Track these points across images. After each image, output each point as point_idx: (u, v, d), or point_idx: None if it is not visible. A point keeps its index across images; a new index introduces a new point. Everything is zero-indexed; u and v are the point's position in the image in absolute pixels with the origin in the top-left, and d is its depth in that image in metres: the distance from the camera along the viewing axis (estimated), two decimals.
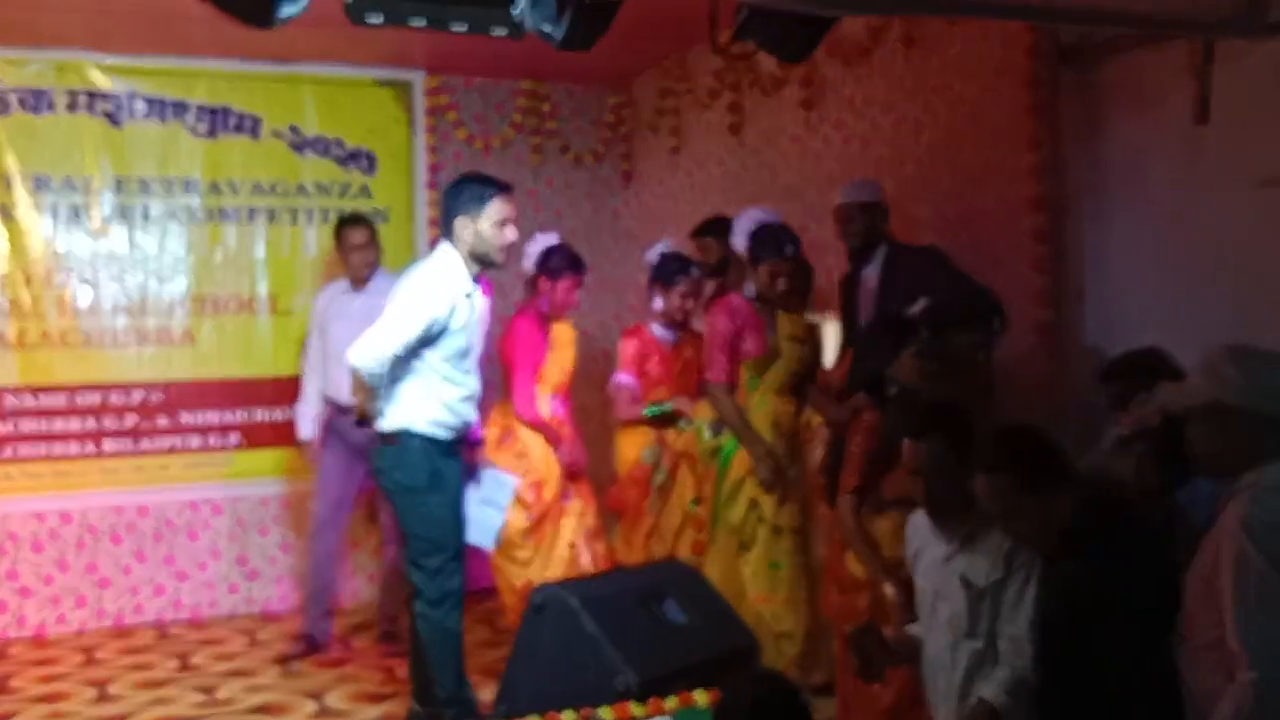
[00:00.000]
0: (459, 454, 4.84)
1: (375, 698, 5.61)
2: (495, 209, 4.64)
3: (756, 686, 2.77)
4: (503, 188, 4.72)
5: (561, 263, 5.89)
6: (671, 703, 4.03)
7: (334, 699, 5.62)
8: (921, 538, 3.70)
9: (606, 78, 8.13)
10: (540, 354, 5.86)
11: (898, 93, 5.85)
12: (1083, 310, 5.09)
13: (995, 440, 3.33)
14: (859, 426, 4.30)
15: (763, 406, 5.09)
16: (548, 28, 3.58)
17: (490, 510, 5.39)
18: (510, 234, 4.71)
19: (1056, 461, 3.23)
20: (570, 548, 5.85)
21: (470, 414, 4.82)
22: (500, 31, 3.44)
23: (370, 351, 4.54)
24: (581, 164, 8.16)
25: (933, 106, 5.63)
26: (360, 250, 6.31)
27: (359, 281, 6.36)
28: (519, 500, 5.80)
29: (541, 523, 5.84)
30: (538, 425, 5.84)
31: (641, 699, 4.05)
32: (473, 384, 4.79)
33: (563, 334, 5.99)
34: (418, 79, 7.75)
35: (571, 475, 5.91)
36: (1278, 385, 2.80)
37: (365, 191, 7.65)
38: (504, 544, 5.85)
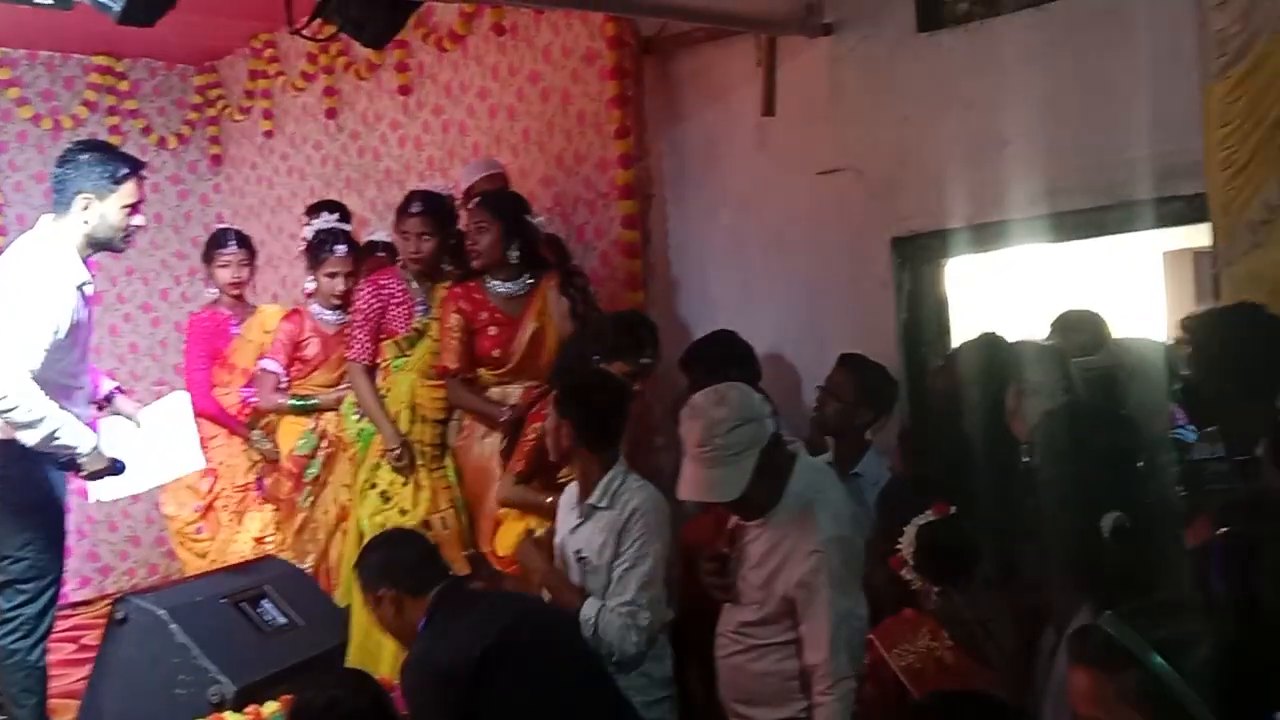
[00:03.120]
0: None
1: None
2: (129, 191, 4.12)
3: (335, 688, 2.71)
4: (138, 167, 4.20)
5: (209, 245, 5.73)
6: (271, 708, 3.89)
7: None
8: (566, 506, 3.76)
9: (191, 56, 7.68)
10: (210, 345, 5.51)
11: (492, 80, 5.91)
12: (670, 293, 5.36)
13: (571, 388, 3.63)
14: (537, 416, 4.20)
15: (402, 386, 4.88)
16: None
17: (173, 434, 4.78)
18: (139, 219, 4.27)
19: (615, 423, 3.50)
20: (257, 542, 5.52)
21: (85, 413, 4.37)
22: (46, 1, 3.17)
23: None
24: (166, 146, 7.69)
25: (526, 94, 5.72)
26: None
27: None
28: (191, 488, 5.50)
29: (211, 511, 5.55)
30: (212, 417, 5.47)
31: (239, 707, 3.89)
32: (86, 381, 4.35)
33: (268, 319, 5.66)
34: None
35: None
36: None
37: None
38: (183, 533, 5.57)
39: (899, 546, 2.85)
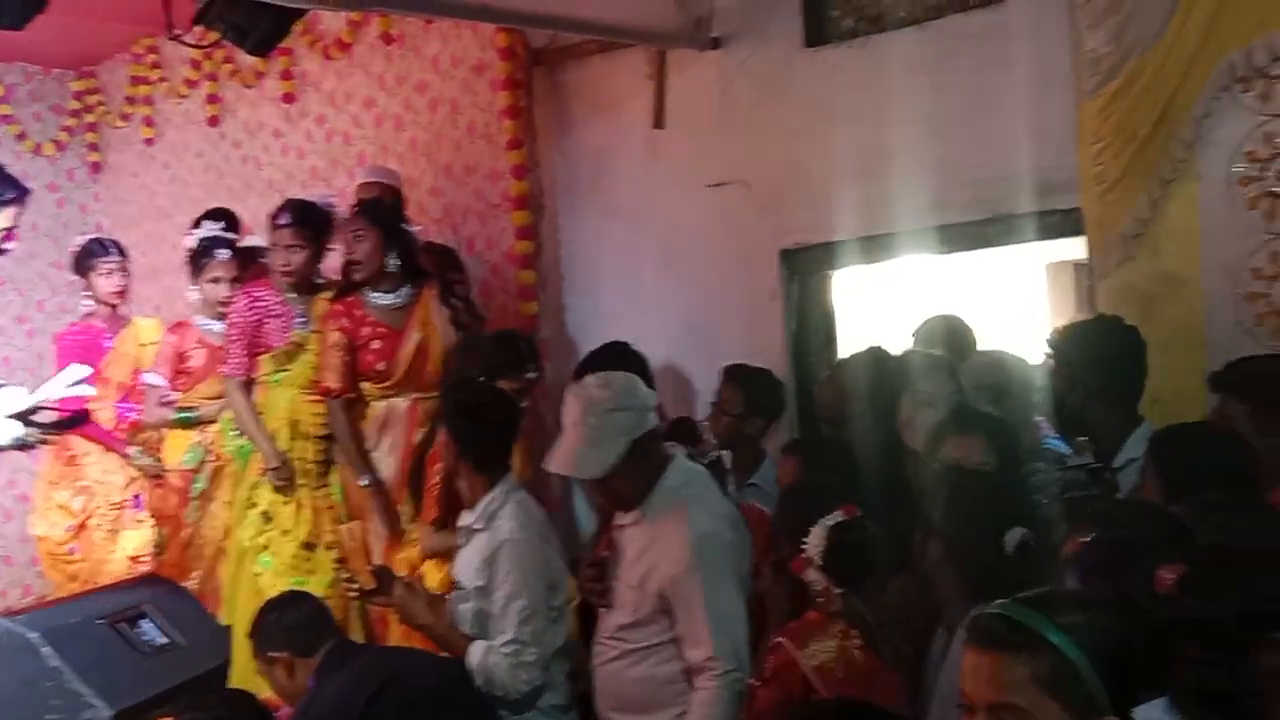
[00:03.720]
0: None
1: None
2: (6, 216, 4.05)
3: (219, 708, 2.65)
4: (23, 193, 4.10)
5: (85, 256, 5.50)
6: None
7: None
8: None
9: (69, 61, 7.44)
10: (83, 360, 5.25)
11: (379, 89, 5.84)
12: (562, 304, 5.35)
13: (457, 404, 3.59)
14: (436, 457, 4.11)
15: (281, 402, 4.70)
16: None
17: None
18: (10, 245, 4.12)
19: (500, 441, 3.48)
20: (133, 561, 5.33)
21: None
22: None
23: None
24: (42, 153, 7.43)
25: (414, 104, 5.67)
26: None
27: None
28: (63, 508, 5.34)
29: (84, 530, 5.37)
30: (85, 432, 5.25)
31: None
32: None
33: (142, 332, 5.45)
34: None
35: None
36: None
37: None
38: (54, 554, 5.42)
39: (804, 548, 2.87)
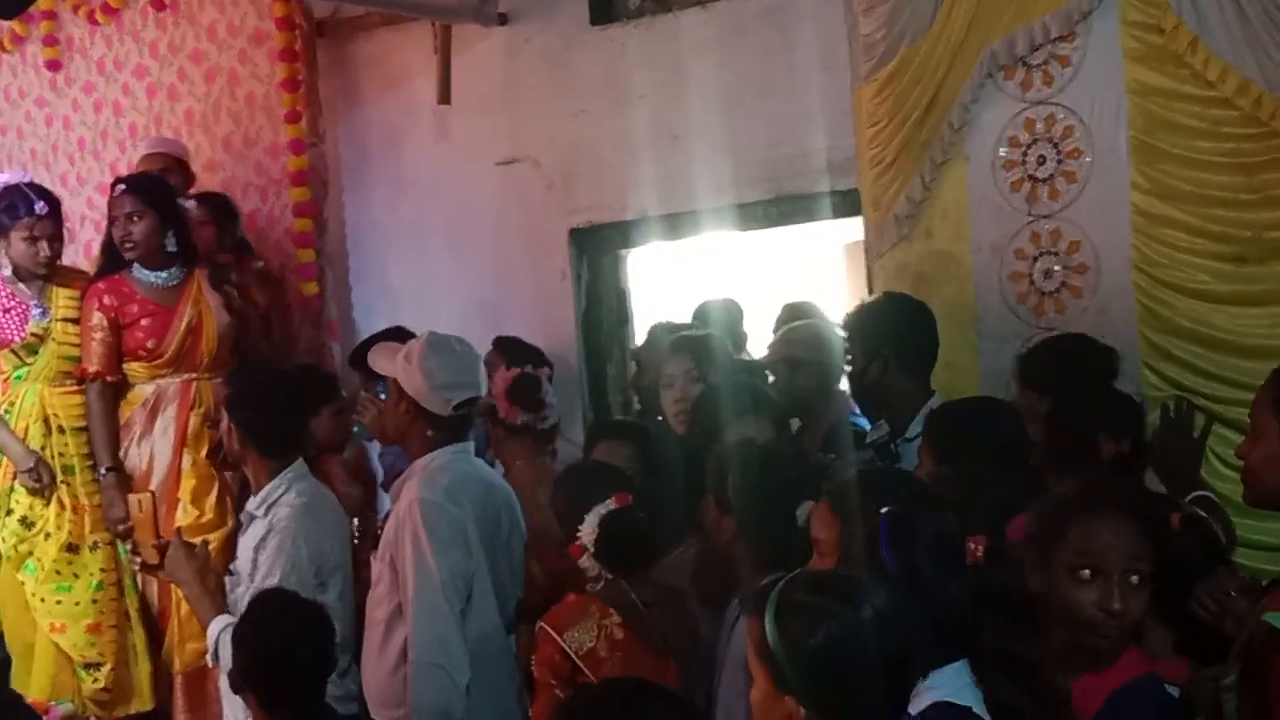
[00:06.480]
0: None
1: None
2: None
3: None
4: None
5: None
6: None
7: None
8: None
9: None
10: None
11: (151, 58, 5.53)
12: (349, 283, 5.21)
13: (239, 388, 3.56)
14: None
15: (29, 398, 4.37)
16: None
17: None
18: None
19: (286, 425, 3.45)
20: None
21: None
22: None
23: None
24: None
25: (189, 74, 5.40)
26: None
27: None
28: None
29: None
30: None
31: None
32: None
33: None
34: None
35: None
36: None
37: None
38: None
39: (578, 534, 2.86)
